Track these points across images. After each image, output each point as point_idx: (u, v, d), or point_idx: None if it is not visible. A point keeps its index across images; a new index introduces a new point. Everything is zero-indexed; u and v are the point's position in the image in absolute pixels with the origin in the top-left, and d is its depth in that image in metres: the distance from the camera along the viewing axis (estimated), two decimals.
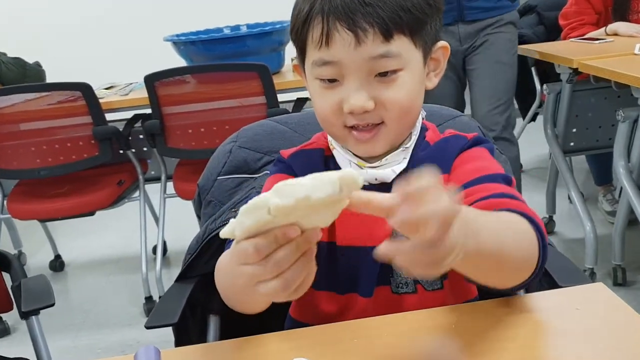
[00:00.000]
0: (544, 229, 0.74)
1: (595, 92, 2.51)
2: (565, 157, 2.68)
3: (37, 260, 3.21)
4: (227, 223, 1.09)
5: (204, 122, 2.55)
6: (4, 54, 3.22)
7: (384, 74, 0.80)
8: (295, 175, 0.91)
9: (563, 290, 0.77)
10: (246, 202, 1.15)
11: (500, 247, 0.67)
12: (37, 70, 3.43)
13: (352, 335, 0.72)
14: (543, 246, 0.72)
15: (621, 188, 2.16)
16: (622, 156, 2.12)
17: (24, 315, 1.28)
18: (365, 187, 0.87)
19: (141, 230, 2.63)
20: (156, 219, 2.83)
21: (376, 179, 0.87)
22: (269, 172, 1.02)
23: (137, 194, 2.71)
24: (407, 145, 0.88)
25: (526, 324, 0.70)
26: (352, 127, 0.84)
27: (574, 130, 2.61)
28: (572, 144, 2.64)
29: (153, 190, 2.82)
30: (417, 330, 0.61)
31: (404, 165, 0.87)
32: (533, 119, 3.46)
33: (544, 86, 2.62)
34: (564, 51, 2.42)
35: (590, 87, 2.43)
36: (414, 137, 0.89)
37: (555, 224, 2.85)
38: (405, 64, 0.81)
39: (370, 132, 0.83)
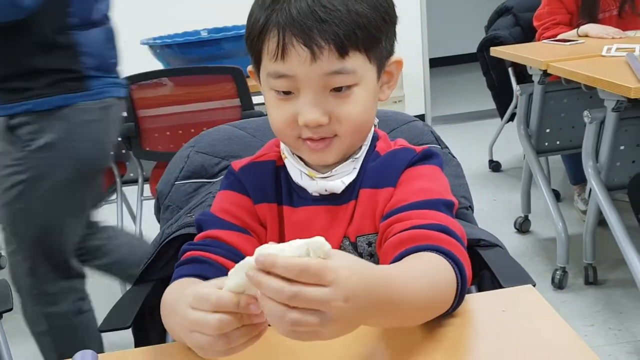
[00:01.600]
0: (466, 266, 0.77)
1: (568, 92, 2.54)
2: (541, 157, 2.72)
3: None
4: (182, 227, 1.13)
5: (181, 124, 2.56)
6: None
7: (338, 89, 0.80)
8: (246, 192, 0.92)
9: (493, 292, 0.80)
10: (202, 206, 1.18)
11: (413, 312, 0.69)
12: None
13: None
14: (462, 284, 0.74)
15: (590, 189, 2.19)
16: (591, 157, 2.15)
17: None
18: (316, 198, 0.90)
19: None
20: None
21: (326, 190, 0.89)
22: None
23: (115, 196, 2.72)
24: (356, 156, 0.90)
25: (453, 326, 0.72)
26: (306, 138, 0.85)
27: (548, 130, 2.64)
28: (546, 144, 2.68)
29: (133, 192, 2.83)
30: (341, 340, 0.63)
31: (353, 175, 0.89)
32: (511, 118, 3.50)
33: (516, 87, 2.65)
34: (535, 53, 2.46)
35: (561, 88, 2.47)
36: (364, 148, 0.91)
37: (531, 223, 2.89)
38: (360, 80, 0.82)
39: (323, 142, 0.84)
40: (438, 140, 1.19)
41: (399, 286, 0.65)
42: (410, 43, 4.59)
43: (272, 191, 0.92)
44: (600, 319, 2.15)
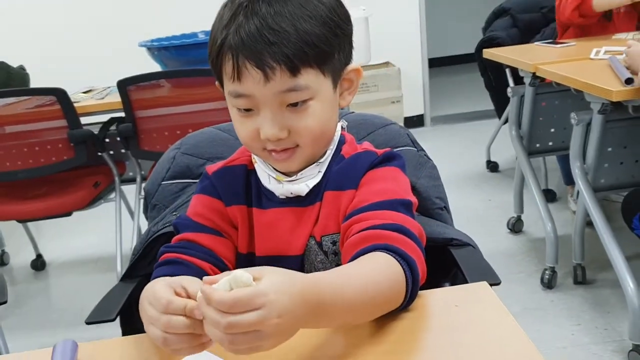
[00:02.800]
0: (418, 264, 0.81)
1: (559, 94, 2.58)
2: (538, 157, 2.74)
3: (19, 259, 3.29)
4: (168, 225, 1.17)
5: (178, 124, 2.61)
6: None
7: (294, 104, 0.85)
8: (218, 195, 0.98)
9: (449, 288, 0.84)
10: (187, 205, 1.23)
11: (351, 312, 0.73)
12: (21, 74, 3.49)
13: None
14: (413, 282, 0.79)
15: (578, 190, 2.22)
16: (578, 158, 2.18)
17: None
18: (283, 200, 0.95)
19: (116, 230, 2.70)
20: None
21: (291, 193, 0.94)
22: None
23: (114, 194, 2.78)
24: (321, 161, 0.95)
25: (406, 319, 0.77)
26: (270, 150, 0.89)
27: (540, 131, 2.68)
28: (538, 145, 2.71)
29: (132, 190, 2.89)
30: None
31: (318, 178, 0.94)
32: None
33: (508, 89, 2.69)
34: (525, 55, 2.49)
35: (553, 89, 2.51)
36: (329, 153, 0.96)
37: (524, 223, 2.92)
38: (315, 94, 0.85)
39: (286, 153, 0.89)
40: (414, 142, 1.23)
41: (328, 292, 0.69)
42: (409, 43, 4.63)
43: (242, 194, 0.97)
44: (587, 318, 2.19)
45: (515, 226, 2.90)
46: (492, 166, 3.79)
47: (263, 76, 0.81)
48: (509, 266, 2.62)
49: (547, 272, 2.40)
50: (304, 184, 0.93)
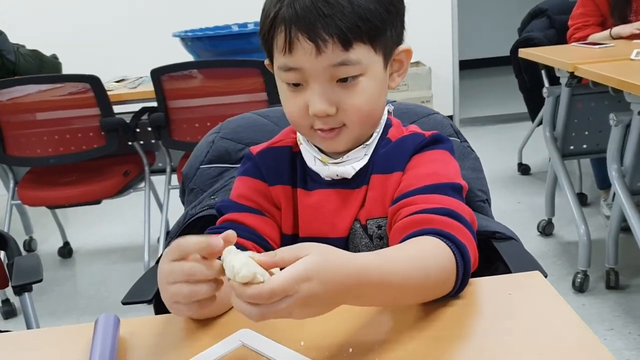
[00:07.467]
0: (470, 250, 0.78)
1: (596, 96, 2.53)
2: (572, 160, 2.68)
3: (47, 246, 3.31)
4: (206, 208, 1.16)
5: (210, 116, 2.61)
6: (23, 46, 3.31)
7: (344, 80, 0.84)
8: (262, 177, 0.97)
9: (502, 277, 0.82)
10: (225, 190, 1.21)
11: (397, 295, 0.71)
12: (53, 63, 3.53)
13: None
14: (465, 268, 0.76)
15: (614, 193, 2.18)
16: (615, 160, 2.14)
17: (16, 291, 1.35)
18: (329, 182, 0.93)
19: (145, 220, 2.70)
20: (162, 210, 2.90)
21: (337, 175, 0.92)
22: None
23: (143, 184, 2.79)
24: (367, 143, 0.93)
25: (455, 306, 0.74)
26: (318, 129, 0.88)
27: (573, 134, 2.63)
28: (572, 147, 2.66)
29: (161, 181, 2.90)
30: (347, 309, 0.67)
31: (364, 161, 0.92)
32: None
33: (544, 89, 2.65)
34: (563, 55, 2.45)
35: (589, 91, 2.46)
36: (375, 135, 0.94)
37: (554, 226, 2.87)
38: (366, 70, 0.84)
39: (333, 132, 0.87)
40: (457, 133, 1.21)
41: (372, 279, 0.66)
42: (441, 43, 4.60)
43: (287, 174, 0.96)
44: (620, 324, 2.14)
45: (546, 229, 2.86)
46: (524, 169, 3.74)
47: (315, 48, 0.80)
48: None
49: (579, 275, 2.36)
50: (350, 166, 0.92)
